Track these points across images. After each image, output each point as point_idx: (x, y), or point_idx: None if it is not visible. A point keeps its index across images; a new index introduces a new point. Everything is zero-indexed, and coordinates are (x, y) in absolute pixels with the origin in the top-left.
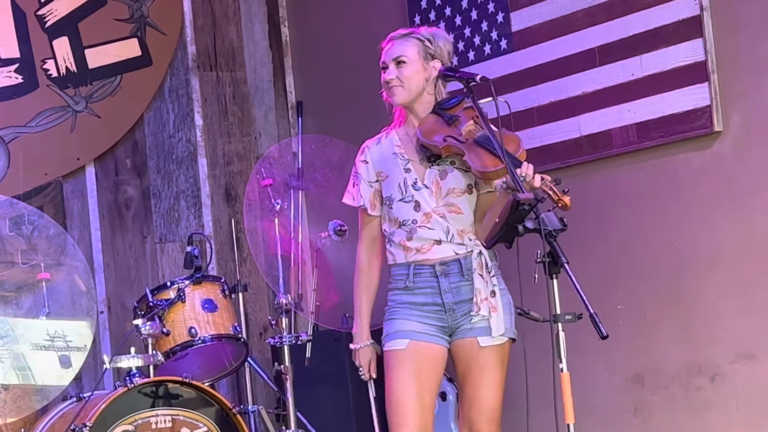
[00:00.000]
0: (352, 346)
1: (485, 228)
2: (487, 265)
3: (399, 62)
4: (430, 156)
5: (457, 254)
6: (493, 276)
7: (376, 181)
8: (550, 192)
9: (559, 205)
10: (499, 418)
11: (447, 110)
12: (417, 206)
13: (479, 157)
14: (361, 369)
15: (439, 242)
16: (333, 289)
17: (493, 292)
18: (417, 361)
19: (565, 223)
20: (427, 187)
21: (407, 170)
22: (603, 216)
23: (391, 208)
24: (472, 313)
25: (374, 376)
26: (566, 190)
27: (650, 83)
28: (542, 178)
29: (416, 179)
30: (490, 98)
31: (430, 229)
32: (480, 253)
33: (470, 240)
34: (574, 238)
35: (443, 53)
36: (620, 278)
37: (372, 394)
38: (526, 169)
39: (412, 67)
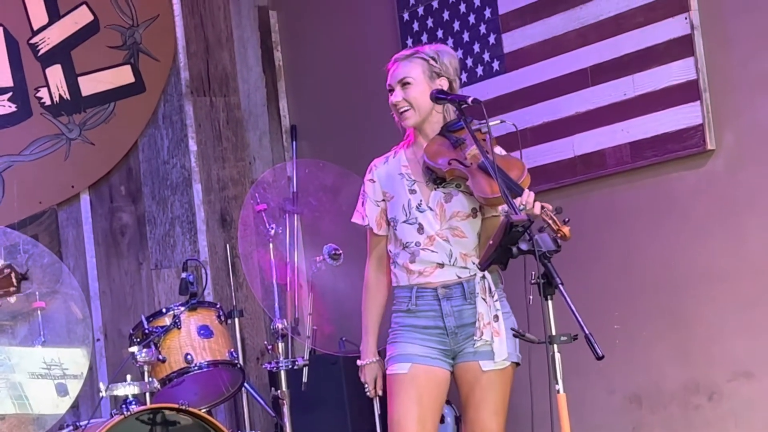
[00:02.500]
0: (358, 362)
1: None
2: (490, 289)
3: (404, 84)
4: (436, 178)
5: (459, 278)
6: (497, 300)
7: (383, 200)
8: (550, 221)
9: (558, 235)
10: None
11: (453, 132)
12: (420, 229)
13: (481, 182)
14: (366, 386)
15: (441, 265)
16: (329, 313)
17: (496, 317)
18: (419, 386)
19: (559, 243)
20: (431, 209)
21: (412, 191)
22: (598, 236)
23: (396, 230)
24: (474, 338)
25: (380, 393)
26: (567, 219)
27: (643, 102)
28: (542, 207)
29: (421, 201)
30: (499, 120)
31: (432, 252)
32: (483, 276)
33: (473, 264)
34: (570, 259)
35: (449, 70)
36: (616, 298)
37: (377, 411)
38: (527, 197)
39: (418, 87)
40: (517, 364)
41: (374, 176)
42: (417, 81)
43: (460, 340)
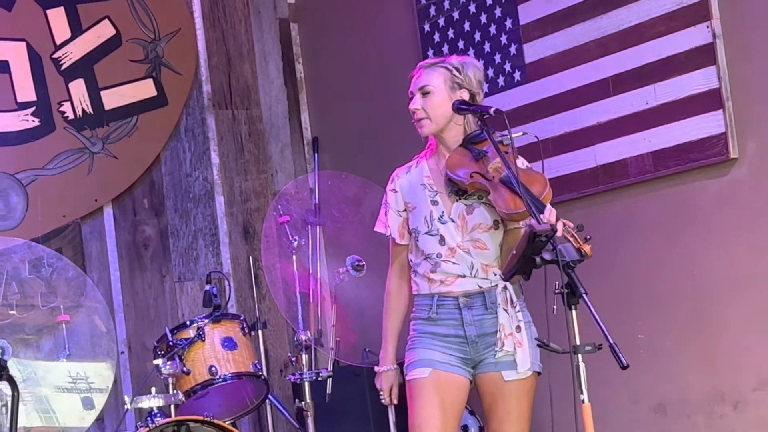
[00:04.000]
0: (376, 368)
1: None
2: (512, 300)
3: (425, 92)
4: (458, 190)
5: (481, 288)
6: (518, 311)
7: (405, 210)
8: (572, 239)
9: (581, 253)
10: None
11: (476, 144)
12: (442, 240)
13: (503, 197)
14: (381, 393)
15: (463, 276)
16: (352, 324)
17: (518, 327)
18: (440, 390)
19: (583, 253)
20: (453, 221)
21: (434, 203)
22: (621, 245)
23: (417, 240)
24: (496, 349)
25: (395, 401)
26: (588, 237)
27: (665, 112)
28: (564, 225)
29: (443, 212)
30: (521, 132)
31: (454, 263)
32: (505, 287)
33: (495, 275)
34: (593, 268)
35: (472, 82)
36: (640, 307)
37: (392, 419)
38: (549, 215)
39: (438, 97)
40: (539, 373)
41: (396, 186)
42: (437, 90)
43: (480, 349)
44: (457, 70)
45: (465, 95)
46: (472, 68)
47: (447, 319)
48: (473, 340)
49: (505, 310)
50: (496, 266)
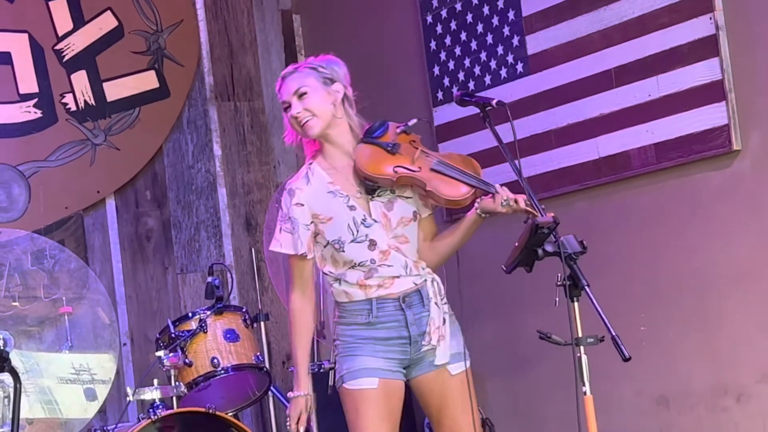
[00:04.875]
0: (290, 394)
1: (440, 252)
2: (440, 291)
3: (301, 94)
4: (370, 188)
5: (416, 285)
6: (444, 303)
7: (311, 223)
8: (533, 211)
9: (550, 215)
10: None
11: (380, 139)
12: (372, 245)
13: (445, 184)
14: (288, 421)
15: (398, 277)
16: None
17: (443, 320)
18: (387, 401)
19: (585, 245)
20: (376, 221)
21: (351, 207)
22: (623, 237)
23: (343, 251)
24: (423, 343)
25: (301, 430)
26: (543, 207)
27: (667, 103)
28: (524, 200)
29: (364, 216)
30: (416, 119)
31: (389, 266)
32: (433, 280)
33: (423, 269)
34: (595, 260)
35: (339, 75)
36: (642, 299)
37: None
38: (505, 192)
39: (316, 94)
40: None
41: (300, 199)
42: (313, 88)
43: (420, 348)
44: (321, 66)
45: (340, 88)
46: (334, 63)
47: (388, 322)
48: (415, 340)
49: (436, 304)
50: (420, 260)
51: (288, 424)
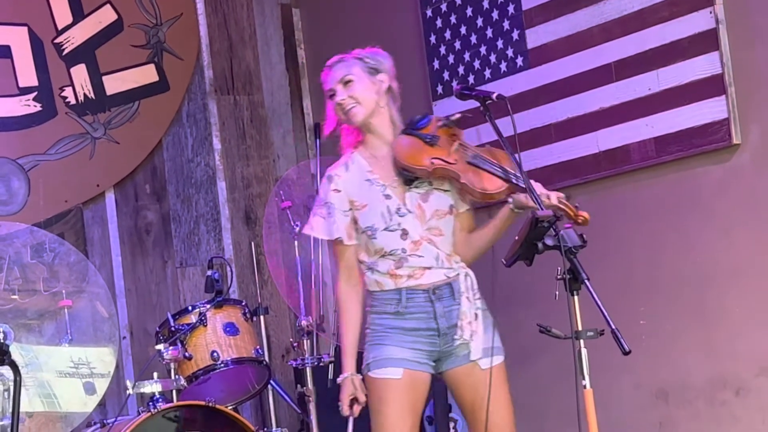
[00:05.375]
0: (339, 378)
1: (474, 247)
2: (474, 286)
3: (346, 82)
4: (408, 179)
5: (447, 278)
6: (478, 298)
7: (350, 209)
8: (566, 208)
9: (579, 220)
10: None
11: (420, 130)
12: (404, 234)
13: (480, 178)
14: (340, 403)
15: (429, 268)
16: None
17: (476, 315)
18: (410, 392)
19: (585, 239)
20: (410, 211)
21: (387, 196)
22: (623, 231)
23: (375, 238)
24: (455, 337)
25: (355, 414)
26: (578, 205)
27: (667, 97)
28: (557, 196)
29: (399, 205)
30: (458, 114)
31: (419, 256)
32: (467, 274)
33: (456, 263)
34: (595, 254)
35: (385, 66)
36: (642, 293)
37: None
38: (540, 188)
39: (361, 83)
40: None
41: (338, 185)
42: (359, 77)
43: (449, 340)
44: (367, 57)
45: (384, 79)
46: (379, 56)
47: (417, 313)
48: (444, 332)
49: (468, 299)
50: (454, 254)
51: (341, 407)
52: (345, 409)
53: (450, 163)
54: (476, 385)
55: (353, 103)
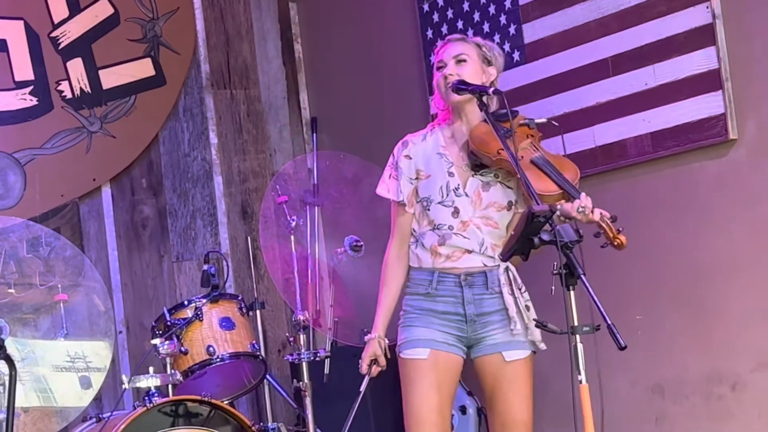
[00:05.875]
0: (366, 337)
1: None
2: (516, 280)
3: (459, 60)
4: (476, 165)
5: (485, 266)
6: (524, 292)
7: (416, 178)
8: (607, 228)
9: (615, 243)
10: (532, 430)
11: (501, 123)
12: (456, 212)
13: (536, 177)
14: (360, 362)
15: (470, 252)
16: (351, 305)
17: (527, 307)
18: (438, 372)
19: (581, 234)
20: (467, 195)
21: (450, 174)
22: (619, 226)
23: (429, 210)
24: (510, 328)
25: (373, 374)
26: (621, 229)
27: (664, 92)
28: (601, 214)
29: (458, 185)
30: (545, 119)
31: (465, 237)
32: (507, 268)
33: (500, 256)
34: (591, 249)
35: (498, 62)
36: (638, 288)
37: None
38: (586, 201)
39: (473, 66)
40: (534, 352)
41: (410, 152)
42: (472, 60)
43: (477, 328)
44: (486, 47)
45: (493, 72)
46: (497, 50)
47: (446, 296)
48: (472, 319)
49: (511, 293)
50: (501, 247)
51: (360, 365)
52: (363, 368)
53: (515, 158)
54: (497, 375)
55: (455, 80)
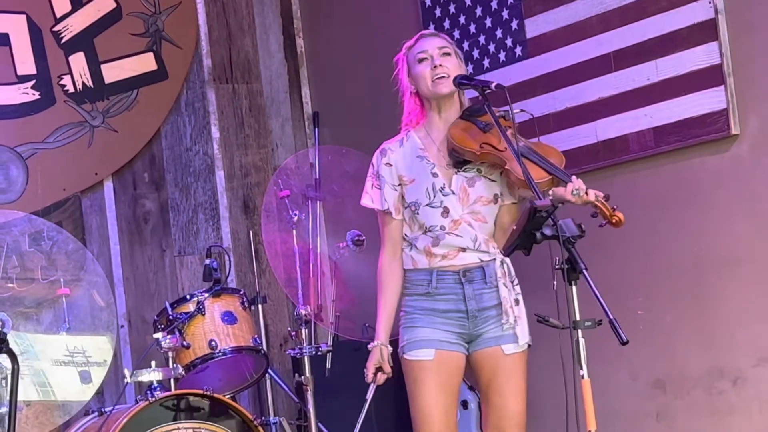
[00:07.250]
0: (370, 345)
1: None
2: (511, 273)
3: (445, 53)
4: (458, 162)
5: (481, 261)
6: (516, 284)
7: (399, 184)
8: (603, 207)
9: (613, 221)
10: (525, 423)
11: (478, 117)
12: (445, 212)
13: (526, 166)
14: (365, 371)
15: (464, 249)
16: (352, 299)
17: (516, 301)
18: (443, 373)
19: (583, 229)
20: (454, 193)
21: (434, 174)
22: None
23: (417, 213)
24: (502, 321)
25: (379, 382)
26: (615, 207)
27: (666, 87)
28: (595, 194)
29: (444, 184)
30: (519, 109)
31: (457, 236)
32: (503, 261)
33: (494, 248)
34: (593, 244)
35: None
36: (640, 283)
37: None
38: (578, 183)
39: (456, 59)
40: (529, 345)
41: (390, 160)
42: (455, 54)
43: (479, 323)
44: (455, 47)
45: (464, 70)
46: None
47: (446, 294)
48: (473, 315)
49: (505, 285)
50: (493, 240)
51: (365, 373)
52: (369, 376)
53: (498, 150)
54: (495, 368)
55: (447, 72)
